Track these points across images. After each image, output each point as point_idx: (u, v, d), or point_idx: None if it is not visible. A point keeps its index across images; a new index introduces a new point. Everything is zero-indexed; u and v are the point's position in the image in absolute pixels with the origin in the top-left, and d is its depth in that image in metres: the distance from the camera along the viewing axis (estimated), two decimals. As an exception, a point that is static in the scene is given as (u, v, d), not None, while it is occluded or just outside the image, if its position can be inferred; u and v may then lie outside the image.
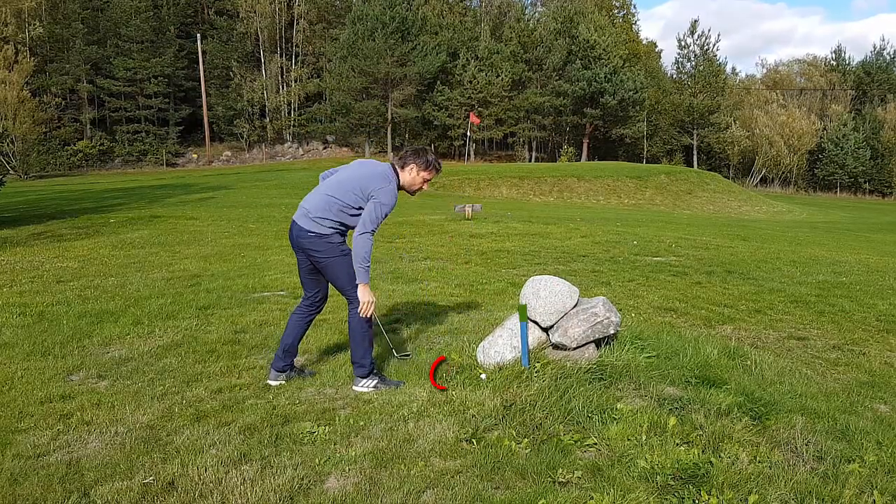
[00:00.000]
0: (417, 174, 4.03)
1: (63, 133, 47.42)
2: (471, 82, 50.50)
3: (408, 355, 4.55)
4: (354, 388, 3.97)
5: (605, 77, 52.10)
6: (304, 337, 4.36)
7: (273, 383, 4.11)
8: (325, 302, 4.28)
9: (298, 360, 4.62)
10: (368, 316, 3.95)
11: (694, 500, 2.70)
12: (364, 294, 3.88)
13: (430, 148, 4.19)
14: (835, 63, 68.45)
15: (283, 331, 4.24)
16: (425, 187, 4.16)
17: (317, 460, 3.05)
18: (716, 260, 9.99)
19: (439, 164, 4.14)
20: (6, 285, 7.34)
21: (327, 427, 3.40)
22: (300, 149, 54.14)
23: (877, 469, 2.99)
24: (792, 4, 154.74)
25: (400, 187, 4.05)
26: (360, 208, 3.91)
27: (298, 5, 54.97)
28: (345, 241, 4.03)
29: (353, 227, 3.95)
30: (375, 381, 3.97)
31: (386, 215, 3.90)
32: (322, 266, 3.99)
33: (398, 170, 4.04)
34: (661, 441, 3.16)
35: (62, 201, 19.44)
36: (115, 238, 11.33)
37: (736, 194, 36.06)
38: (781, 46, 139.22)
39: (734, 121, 62.42)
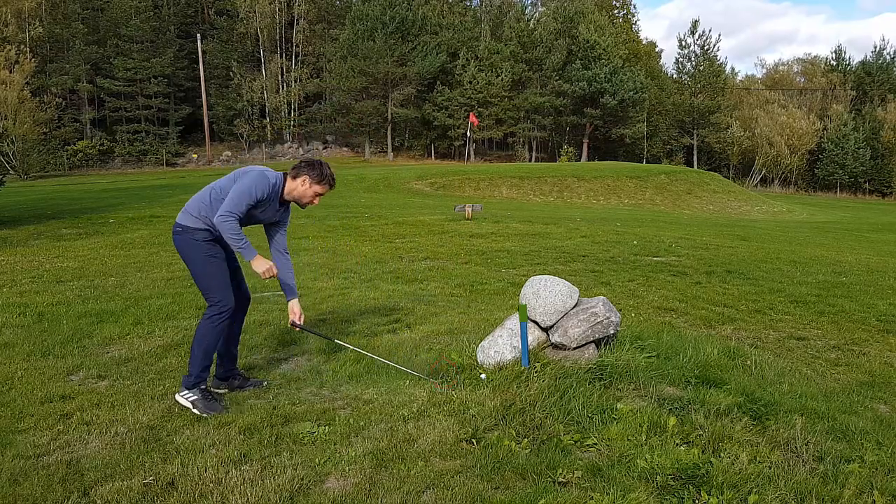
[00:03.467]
0: (310, 186, 3.83)
1: (63, 133, 47.43)
2: (471, 82, 50.51)
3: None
4: (176, 396, 3.72)
5: (605, 77, 52.11)
6: (305, 338, 4.35)
7: (218, 391, 4.01)
8: (242, 299, 4.12)
9: (299, 361, 4.62)
10: (267, 278, 3.78)
11: (694, 500, 2.70)
12: (258, 265, 3.75)
13: (328, 164, 4.10)
14: (835, 63, 68.45)
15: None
16: (316, 201, 3.94)
17: (317, 460, 3.05)
18: (716, 260, 9.99)
19: (334, 179, 3.93)
20: (6, 285, 7.34)
21: (327, 427, 3.40)
22: (300, 149, 54.16)
23: (877, 469, 2.99)
24: (797, 3, 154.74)
25: (285, 195, 3.86)
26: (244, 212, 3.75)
27: (298, 5, 54.97)
28: (215, 244, 3.84)
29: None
30: (197, 397, 3.66)
31: (247, 204, 3.68)
32: (187, 264, 3.84)
33: (287, 178, 3.85)
34: (660, 441, 3.16)
35: (62, 201, 19.43)
36: (115, 238, 11.33)
37: (736, 194, 36.05)
38: (786, 46, 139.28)
39: (734, 121, 62.44)
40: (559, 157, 53.95)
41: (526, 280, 4.19)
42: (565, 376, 3.77)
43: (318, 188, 3.86)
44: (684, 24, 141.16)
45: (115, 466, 3.02)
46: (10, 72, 41.05)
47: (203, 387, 3.73)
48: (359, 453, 3.11)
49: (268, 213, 3.91)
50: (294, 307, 4.08)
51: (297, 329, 4.26)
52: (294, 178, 3.84)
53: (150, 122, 51.62)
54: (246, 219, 3.81)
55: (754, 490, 2.74)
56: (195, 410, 3.63)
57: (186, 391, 3.70)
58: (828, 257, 11.35)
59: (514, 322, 4.08)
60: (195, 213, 3.80)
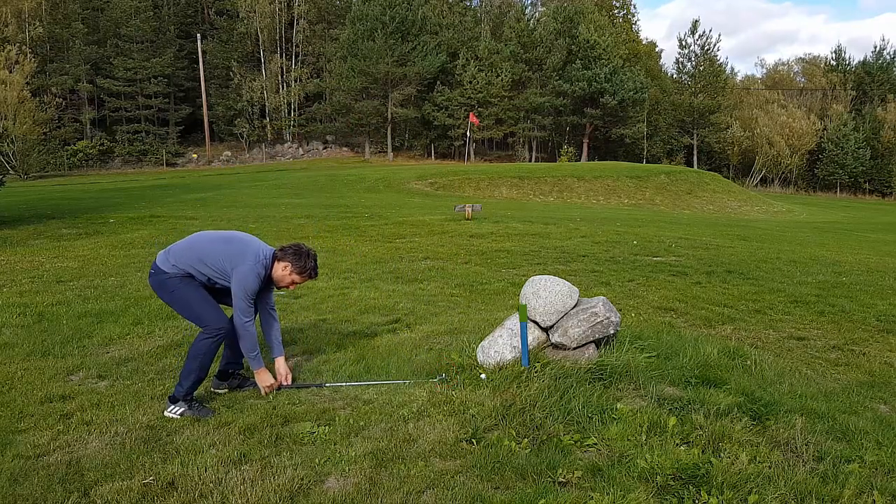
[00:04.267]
0: (290, 274, 3.88)
1: (63, 133, 47.45)
2: (471, 82, 50.51)
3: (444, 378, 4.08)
4: (165, 413, 3.67)
5: (605, 77, 52.10)
6: (305, 338, 4.35)
7: (218, 391, 4.06)
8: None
9: (299, 361, 4.62)
10: (265, 394, 3.90)
11: (694, 500, 2.70)
12: (262, 379, 3.88)
13: (315, 255, 4.17)
14: (835, 63, 68.46)
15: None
16: (292, 288, 4.01)
17: (317, 460, 3.05)
18: (716, 260, 9.99)
19: (315, 272, 3.98)
20: (6, 285, 7.34)
21: (327, 427, 3.40)
22: (300, 149, 54.16)
23: (877, 469, 2.99)
24: (798, 3, 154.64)
25: (270, 276, 3.92)
26: (222, 269, 3.82)
27: (298, 5, 54.96)
28: (187, 275, 3.88)
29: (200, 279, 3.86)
30: (184, 409, 3.66)
31: (252, 300, 3.81)
32: (170, 302, 3.90)
33: (275, 260, 3.90)
34: (660, 441, 3.16)
35: (62, 201, 19.44)
36: (115, 238, 11.32)
37: (736, 194, 36.06)
38: (787, 46, 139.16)
39: (734, 121, 62.44)
40: (559, 157, 53.95)
41: (526, 280, 4.19)
42: (565, 376, 3.77)
43: (296, 277, 3.92)
44: (685, 23, 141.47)
45: (115, 466, 3.02)
46: (10, 72, 41.05)
47: (191, 398, 3.72)
48: (359, 453, 3.10)
49: (261, 291, 3.97)
50: (280, 367, 4.05)
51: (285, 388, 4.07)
52: (279, 260, 3.90)
53: (150, 122, 51.62)
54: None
55: (754, 490, 2.74)
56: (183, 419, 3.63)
57: (173, 406, 3.68)
58: (828, 257, 11.35)
59: (514, 322, 4.08)
60: (172, 262, 3.86)
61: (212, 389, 4.06)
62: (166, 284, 3.85)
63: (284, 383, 4.02)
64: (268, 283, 3.95)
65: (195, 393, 3.78)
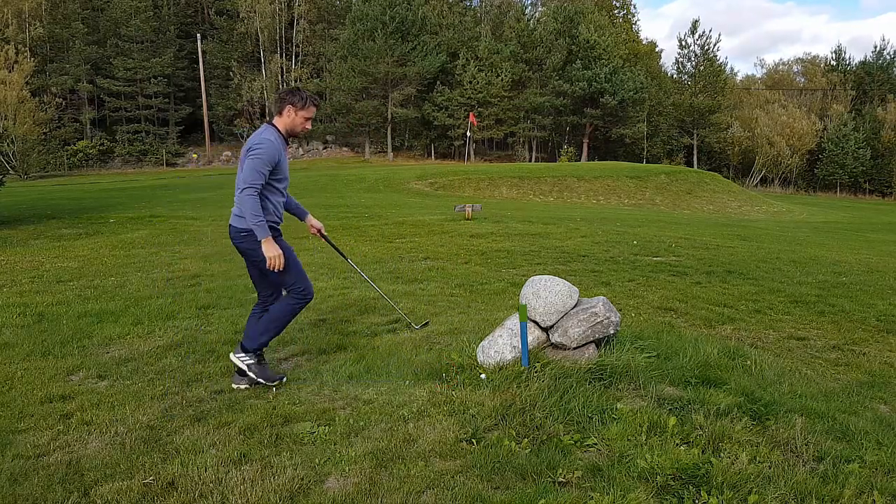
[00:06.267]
0: (296, 115, 3.90)
1: (63, 133, 47.45)
2: (471, 82, 50.51)
3: (426, 324, 4.91)
4: (231, 355, 3.95)
5: (606, 77, 52.11)
6: (305, 338, 4.36)
7: (235, 387, 4.07)
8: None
9: (299, 361, 4.62)
10: (277, 270, 3.82)
11: (694, 500, 2.70)
12: (268, 249, 3.79)
13: (303, 88, 4.21)
14: (835, 63, 68.47)
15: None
16: (308, 126, 4.01)
17: (317, 460, 3.05)
18: (716, 260, 9.99)
19: (316, 99, 4.00)
20: (6, 285, 7.34)
21: (327, 427, 3.40)
22: (300, 149, 54.15)
23: (877, 469, 2.99)
24: (800, 3, 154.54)
25: (283, 134, 3.93)
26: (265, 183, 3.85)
27: (298, 5, 54.97)
28: (280, 237, 4.00)
29: (278, 216, 3.96)
30: (252, 362, 3.88)
31: (266, 166, 3.75)
32: (259, 263, 3.92)
33: (276, 118, 3.93)
34: (660, 441, 3.16)
35: (62, 201, 19.44)
36: (115, 238, 11.32)
37: (736, 194, 36.06)
38: (789, 45, 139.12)
39: (734, 121, 62.45)
40: (559, 157, 53.96)
41: (526, 280, 4.19)
42: (565, 376, 3.77)
43: (304, 112, 3.93)
44: (687, 23, 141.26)
45: (115, 466, 3.02)
46: (10, 71, 41.06)
47: (260, 354, 3.91)
48: (359, 453, 3.10)
49: (284, 162, 3.99)
50: (312, 220, 4.32)
51: (321, 238, 4.50)
52: (280, 112, 3.91)
53: (150, 122, 51.63)
54: (278, 185, 3.91)
55: (754, 490, 2.74)
56: (250, 373, 3.87)
57: (243, 354, 3.88)
58: (828, 257, 11.35)
59: (514, 322, 4.08)
60: (237, 209, 3.89)
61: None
62: (258, 247, 3.83)
63: (323, 232, 4.30)
64: (286, 143, 3.98)
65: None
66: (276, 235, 3.94)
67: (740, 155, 63.06)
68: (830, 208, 40.82)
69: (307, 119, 3.95)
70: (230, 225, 3.95)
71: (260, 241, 3.79)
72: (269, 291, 4.14)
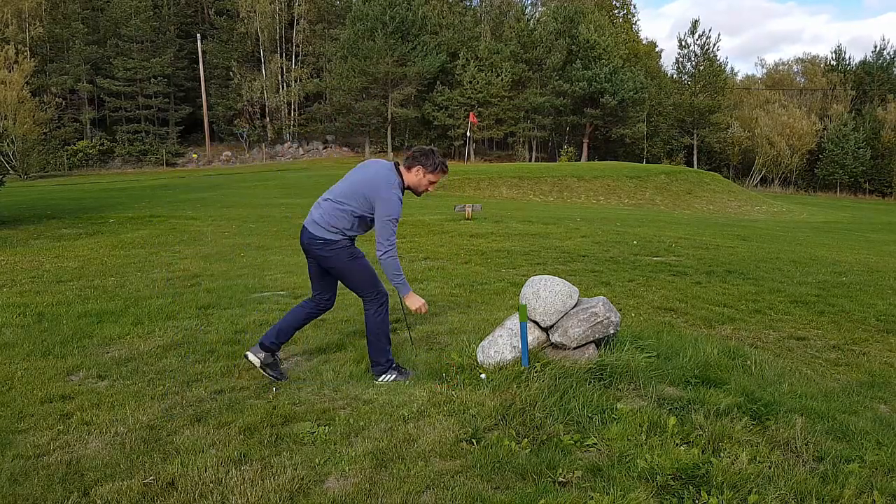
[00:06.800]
0: (423, 176, 4.03)
1: (63, 133, 47.44)
2: (471, 82, 50.49)
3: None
4: (375, 380, 4.11)
5: (606, 77, 52.09)
6: (305, 338, 4.36)
7: (251, 357, 4.14)
8: (332, 304, 4.38)
9: (299, 361, 4.62)
10: (424, 313, 4.07)
11: (694, 500, 2.70)
12: (412, 301, 4.02)
13: (436, 148, 4.33)
14: (835, 63, 68.46)
15: (283, 315, 4.36)
16: (431, 189, 4.16)
17: (317, 460, 3.05)
18: (716, 260, 9.99)
19: (446, 165, 4.13)
20: (6, 285, 7.34)
21: (327, 427, 3.40)
22: (300, 149, 54.16)
23: (877, 469, 2.99)
24: (801, 3, 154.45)
25: (405, 188, 4.07)
26: (365, 215, 3.96)
27: (298, 5, 54.95)
28: (353, 245, 4.10)
29: (358, 233, 4.05)
30: (394, 376, 4.08)
31: (396, 223, 3.95)
32: (336, 273, 4.10)
33: (403, 170, 4.04)
34: (660, 441, 3.16)
35: (62, 201, 19.44)
36: (115, 238, 11.33)
37: (736, 194, 36.06)
38: (790, 45, 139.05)
39: (734, 121, 62.44)
40: (559, 157, 53.95)
41: (526, 280, 4.19)
42: (565, 376, 3.77)
43: (431, 177, 4.05)
44: (688, 22, 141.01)
45: (115, 466, 3.02)
46: (10, 71, 41.06)
47: (395, 365, 4.13)
48: (359, 453, 3.10)
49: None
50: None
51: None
52: (409, 168, 4.02)
53: (150, 122, 51.61)
54: (367, 215, 4.00)
55: (754, 490, 2.74)
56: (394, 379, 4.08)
57: (385, 375, 4.08)
58: (828, 257, 11.35)
59: (514, 322, 4.08)
60: (329, 227, 3.99)
61: (247, 353, 4.16)
62: (336, 256, 4.00)
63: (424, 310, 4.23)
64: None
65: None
66: (350, 245, 4.10)
67: (740, 155, 63.04)
68: (830, 208, 40.82)
69: (432, 183, 4.09)
70: (306, 229, 4.06)
71: (402, 296, 4.09)
72: (321, 292, 4.27)
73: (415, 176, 4.02)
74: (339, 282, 4.30)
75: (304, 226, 4.11)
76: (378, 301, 4.12)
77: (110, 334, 5.24)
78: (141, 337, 5.20)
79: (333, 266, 4.06)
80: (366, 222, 4.04)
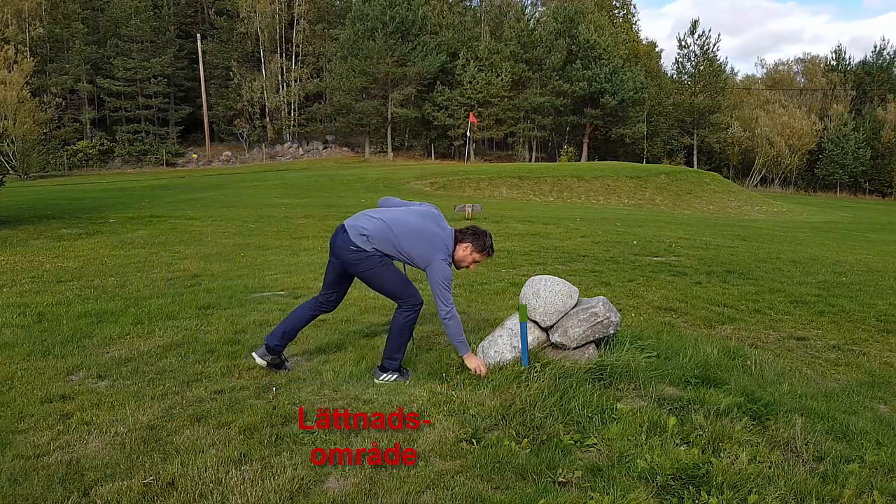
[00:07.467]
0: (470, 254, 4.15)
1: (63, 133, 47.46)
2: (471, 82, 50.51)
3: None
4: (376, 378, 4.12)
5: (606, 77, 52.13)
6: (305, 338, 4.36)
7: (258, 360, 4.24)
8: (337, 305, 4.41)
9: (299, 361, 4.62)
10: (482, 374, 3.93)
11: (694, 500, 2.70)
12: (471, 362, 4.01)
13: (491, 232, 4.50)
14: (835, 63, 68.46)
15: (286, 316, 4.40)
16: (472, 268, 4.29)
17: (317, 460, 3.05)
18: (716, 260, 9.99)
19: (493, 250, 4.25)
20: (6, 285, 7.34)
21: (327, 427, 3.40)
22: (300, 149, 54.17)
23: (877, 469, 2.99)
24: (802, 3, 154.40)
25: (452, 259, 4.16)
26: (404, 258, 4.07)
27: (298, 5, 54.97)
28: (384, 256, 4.10)
29: (395, 259, 4.11)
30: (395, 376, 4.12)
31: (451, 283, 4.04)
32: (364, 278, 4.12)
33: (458, 242, 4.14)
34: (660, 441, 3.16)
35: (62, 201, 19.44)
36: (115, 238, 11.33)
37: (736, 194, 36.06)
38: (791, 45, 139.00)
39: (734, 121, 62.45)
40: (559, 157, 53.97)
41: (526, 280, 4.19)
42: (565, 376, 3.77)
43: (477, 256, 4.18)
44: (689, 22, 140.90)
45: (115, 466, 3.01)
46: (10, 71, 41.07)
47: (402, 369, 4.18)
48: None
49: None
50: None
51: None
52: (459, 242, 4.15)
53: (150, 122, 51.62)
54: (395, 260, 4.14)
55: (754, 490, 2.74)
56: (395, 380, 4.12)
57: (387, 374, 4.11)
58: (828, 257, 11.35)
59: (514, 322, 4.08)
60: (373, 245, 4.03)
61: (253, 354, 4.26)
62: (366, 264, 4.04)
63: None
64: None
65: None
66: (381, 257, 4.11)
67: (740, 155, 63.07)
68: (830, 208, 40.82)
69: (475, 262, 4.22)
70: (345, 233, 4.05)
71: (461, 356, 4.06)
72: (330, 292, 4.30)
73: (463, 252, 4.14)
74: (347, 289, 4.36)
75: (343, 227, 4.09)
76: (414, 308, 4.15)
77: (110, 334, 5.24)
78: (141, 337, 5.19)
79: (361, 272, 4.09)
80: (401, 258, 4.13)
